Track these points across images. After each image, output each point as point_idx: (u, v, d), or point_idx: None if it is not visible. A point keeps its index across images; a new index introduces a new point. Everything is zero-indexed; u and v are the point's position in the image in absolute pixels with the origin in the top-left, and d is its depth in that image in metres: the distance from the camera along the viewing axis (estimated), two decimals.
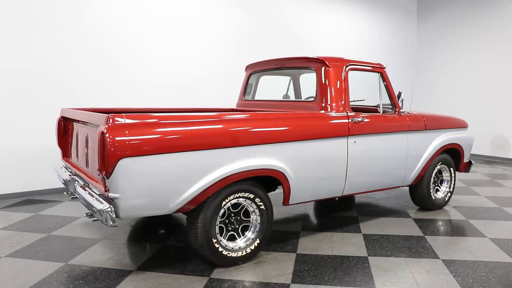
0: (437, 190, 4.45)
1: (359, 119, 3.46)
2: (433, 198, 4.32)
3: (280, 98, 4.40)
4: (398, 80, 8.94)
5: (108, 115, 2.36)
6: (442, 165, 4.39)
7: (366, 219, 4.05)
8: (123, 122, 2.34)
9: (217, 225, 2.77)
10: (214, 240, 2.74)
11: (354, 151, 3.43)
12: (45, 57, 4.75)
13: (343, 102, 3.44)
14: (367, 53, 8.39)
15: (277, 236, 3.52)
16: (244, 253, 2.90)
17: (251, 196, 2.89)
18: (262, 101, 4.17)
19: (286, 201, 3.12)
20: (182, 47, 5.85)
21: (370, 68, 3.81)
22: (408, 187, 4.36)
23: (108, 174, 2.29)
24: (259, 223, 2.97)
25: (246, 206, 2.93)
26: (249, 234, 2.95)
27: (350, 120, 3.40)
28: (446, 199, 4.46)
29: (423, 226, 3.83)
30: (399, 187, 4.05)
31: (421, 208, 4.40)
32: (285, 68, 3.99)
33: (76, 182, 2.93)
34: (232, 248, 2.87)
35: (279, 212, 4.25)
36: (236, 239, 2.92)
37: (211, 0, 6.12)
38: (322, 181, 3.29)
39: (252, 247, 2.94)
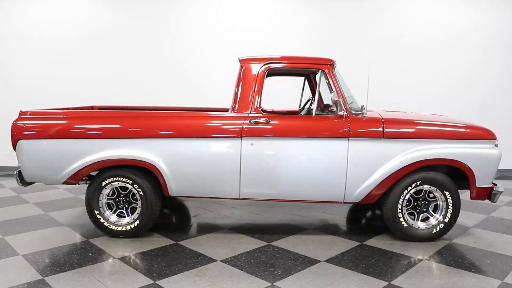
0: (426, 218, 3.44)
1: (258, 121, 3.28)
2: (406, 226, 3.37)
3: None
4: None
5: (22, 110, 3.43)
6: (428, 186, 3.35)
7: (309, 233, 3.64)
8: (27, 116, 3.37)
9: (101, 200, 3.43)
10: (97, 212, 3.42)
11: (250, 154, 3.29)
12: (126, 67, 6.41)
13: (245, 103, 3.36)
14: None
15: (203, 229, 3.78)
16: (124, 229, 3.43)
17: (129, 181, 3.38)
18: None
19: (165, 191, 3.41)
20: None
21: (306, 64, 3.47)
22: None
23: (14, 149, 3.38)
24: (139, 207, 3.42)
25: (132, 190, 3.44)
26: (130, 215, 3.45)
27: (245, 121, 3.29)
28: (435, 230, 3.37)
29: (340, 252, 3.17)
30: (340, 202, 3.42)
31: (405, 238, 3.47)
32: None
33: None
34: (114, 222, 3.45)
35: (266, 215, 4.34)
36: (125, 216, 3.48)
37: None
38: (207, 179, 3.35)
39: (132, 226, 3.42)
